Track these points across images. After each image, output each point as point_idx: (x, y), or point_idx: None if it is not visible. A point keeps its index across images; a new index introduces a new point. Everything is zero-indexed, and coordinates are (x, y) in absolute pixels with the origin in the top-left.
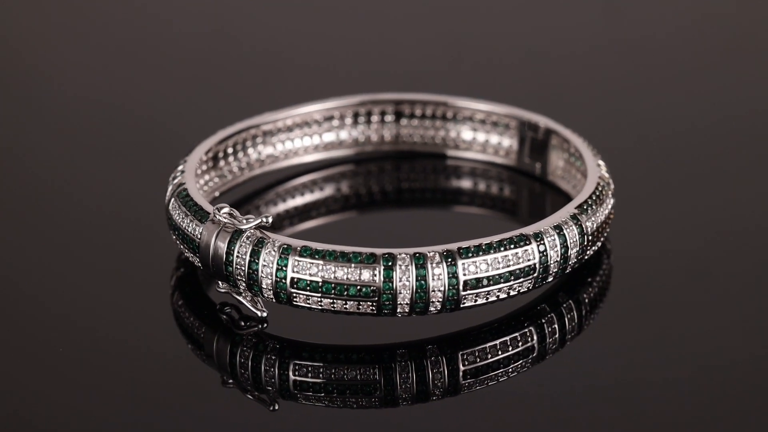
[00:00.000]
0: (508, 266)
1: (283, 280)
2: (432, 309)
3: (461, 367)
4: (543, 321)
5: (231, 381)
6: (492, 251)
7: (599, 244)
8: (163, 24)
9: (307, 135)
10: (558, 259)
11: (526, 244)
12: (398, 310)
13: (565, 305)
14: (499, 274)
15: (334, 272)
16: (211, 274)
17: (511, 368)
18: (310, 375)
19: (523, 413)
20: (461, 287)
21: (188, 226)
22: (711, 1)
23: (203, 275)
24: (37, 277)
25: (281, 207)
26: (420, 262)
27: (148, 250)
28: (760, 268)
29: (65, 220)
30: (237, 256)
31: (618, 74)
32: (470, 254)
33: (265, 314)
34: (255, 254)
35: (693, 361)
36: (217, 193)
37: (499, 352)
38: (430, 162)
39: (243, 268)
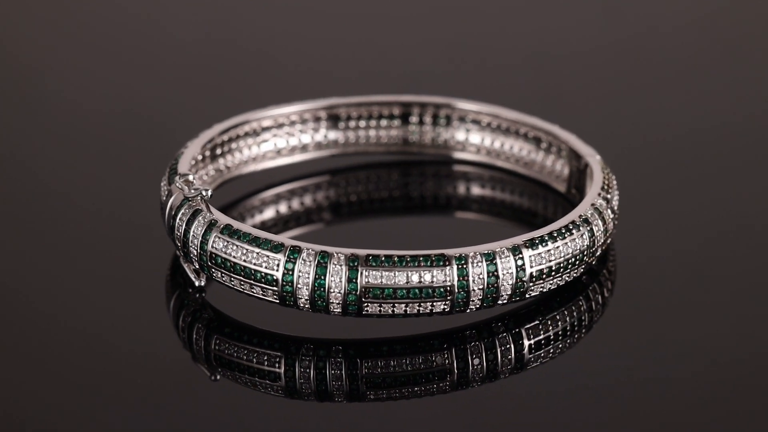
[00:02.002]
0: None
1: (205, 254)
2: (333, 309)
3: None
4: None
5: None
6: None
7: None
8: (151, 25)
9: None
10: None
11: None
12: (298, 303)
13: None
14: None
15: (245, 255)
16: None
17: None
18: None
19: (524, 414)
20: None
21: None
22: (711, 1)
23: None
24: (32, 276)
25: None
26: (324, 260)
27: (142, 249)
28: (763, 268)
29: (57, 219)
30: (177, 223)
31: (617, 74)
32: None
33: (197, 284)
34: (189, 224)
35: (695, 361)
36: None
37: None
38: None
39: (180, 235)
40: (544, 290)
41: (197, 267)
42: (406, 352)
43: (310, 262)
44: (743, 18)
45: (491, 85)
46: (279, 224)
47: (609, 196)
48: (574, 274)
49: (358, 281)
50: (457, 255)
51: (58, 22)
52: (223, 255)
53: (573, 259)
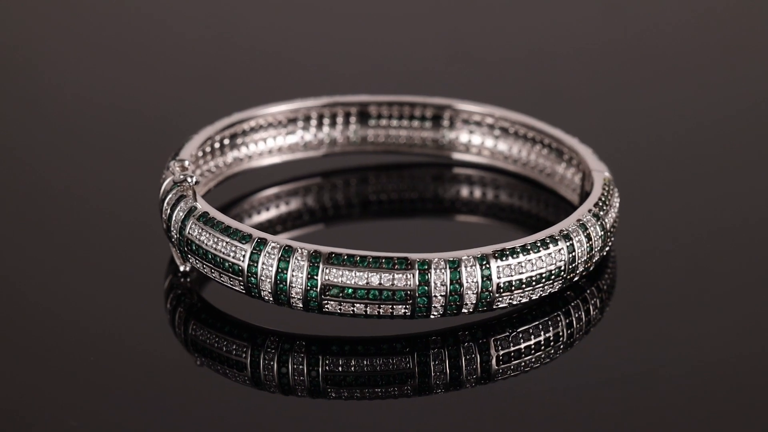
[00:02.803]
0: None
1: (183, 240)
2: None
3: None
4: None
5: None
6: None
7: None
8: (150, 22)
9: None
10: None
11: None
12: (261, 295)
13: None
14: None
15: (216, 244)
16: None
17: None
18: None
19: (525, 414)
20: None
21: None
22: (710, 1)
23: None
24: (32, 274)
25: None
26: (287, 255)
27: (139, 244)
28: (763, 267)
29: (55, 214)
30: (165, 206)
31: (616, 74)
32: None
33: (181, 268)
34: (173, 209)
35: (696, 361)
36: (211, 184)
37: (520, 344)
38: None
39: (165, 218)
40: (514, 303)
41: (179, 251)
42: (368, 352)
43: (274, 255)
44: (743, 17)
45: (490, 85)
46: (279, 224)
47: (602, 213)
48: (551, 290)
49: (319, 278)
50: (420, 260)
51: (59, 18)
52: (197, 242)
53: (549, 274)
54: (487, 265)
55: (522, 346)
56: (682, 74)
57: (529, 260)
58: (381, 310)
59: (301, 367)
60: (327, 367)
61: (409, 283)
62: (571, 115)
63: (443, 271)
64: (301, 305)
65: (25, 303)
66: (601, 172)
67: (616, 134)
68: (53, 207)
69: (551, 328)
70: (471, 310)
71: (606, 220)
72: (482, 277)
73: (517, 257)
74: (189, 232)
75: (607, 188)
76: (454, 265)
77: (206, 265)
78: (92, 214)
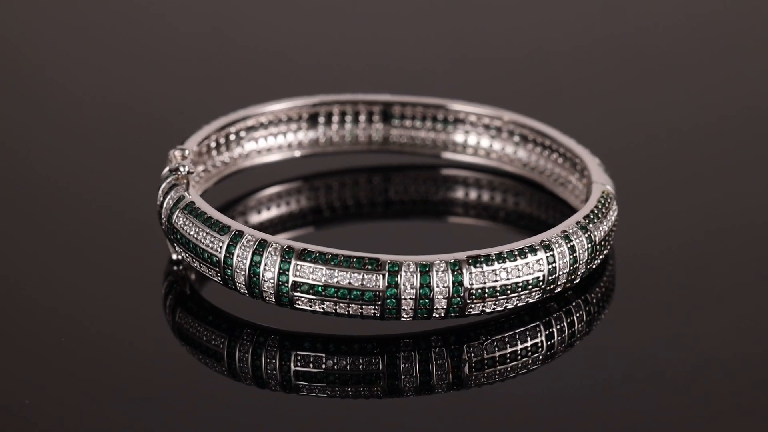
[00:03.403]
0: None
1: (171, 228)
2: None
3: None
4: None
5: None
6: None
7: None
8: (148, 21)
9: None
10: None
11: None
12: (237, 287)
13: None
14: None
15: (197, 234)
16: None
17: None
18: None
19: (525, 414)
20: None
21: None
22: (709, 1)
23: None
24: (33, 273)
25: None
26: (261, 249)
27: (139, 246)
28: (762, 267)
29: (55, 212)
30: (159, 193)
31: (614, 75)
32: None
33: (173, 256)
34: (165, 196)
35: (696, 362)
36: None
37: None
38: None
39: (158, 206)
40: (489, 311)
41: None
42: (339, 351)
43: (249, 248)
44: (742, 16)
45: (494, 86)
46: (279, 224)
47: (591, 225)
48: (530, 300)
49: (290, 274)
50: (391, 261)
51: (57, 16)
52: (182, 231)
53: (526, 284)
54: (459, 271)
55: (497, 354)
56: (681, 75)
57: (505, 269)
58: (350, 310)
59: (273, 361)
60: (299, 363)
61: (378, 284)
62: (571, 115)
63: (413, 274)
64: (273, 299)
65: (21, 297)
66: (601, 185)
67: (616, 134)
68: (50, 202)
69: (529, 339)
70: (443, 315)
71: (595, 234)
72: (453, 282)
73: (492, 265)
74: (175, 221)
75: (603, 201)
76: (425, 269)
77: (189, 255)
78: (88, 208)
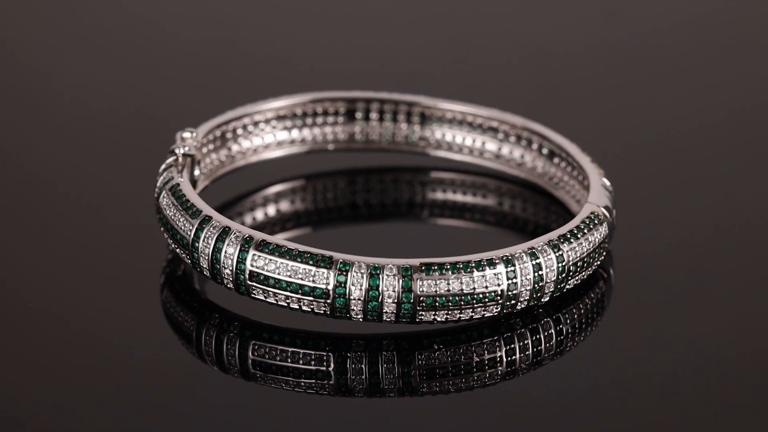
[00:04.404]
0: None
1: (157, 206)
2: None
3: None
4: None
5: None
6: None
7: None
8: (143, 21)
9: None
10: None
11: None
12: (203, 271)
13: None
14: None
15: (174, 217)
16: None
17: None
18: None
19: (525, 415)
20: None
21: None
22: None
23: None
24: (27, 274)
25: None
26: (224, 235)
27: (136, 244)
28: (761, 268)
29: (52, 214)
30: (159, 172)
31: (612, 75)
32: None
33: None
34: (160, 175)
35: (695, 363)
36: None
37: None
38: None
39: (154, 184)
40: (441, 320)
41: None
42: (293, 344)
43: (213, 234)
44: (741, 17)
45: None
46: (278, 224)
47: (565, 245)
48: (486, 313)
49: (247, 263)
50: (343, 260)
51: (52, 17)
52: (164, 211)
53: (482, 297)
54: (410, 278)
55: (450, 365)
56: (680, 75)
57: (459, 279)
58: (302, 305)
59: (234, 349)
60: (255, 353)
61: (328, 281)
62: (572, 115)
63: (363, 275)
64: (232, 287)
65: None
66: (594, 206)
67: (616, 134)
68: (47, 204)
69: (486, 353)
70: (393, 319)
71: (570, 254)
72: (402, 288)
73: (445, 274)
74: (160, 201)
75: (587, 222)
76: (376, 272)
77: (167, 235)
78: (86, 209)
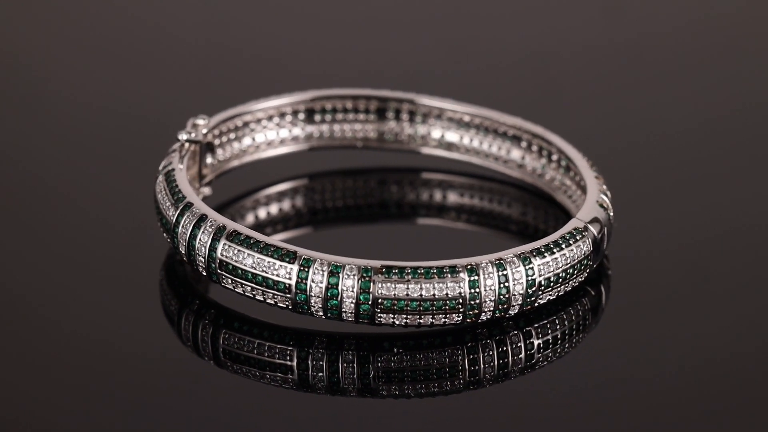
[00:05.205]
0: None
1: (154, 190)
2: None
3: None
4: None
5: None
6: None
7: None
8: (140, 21)
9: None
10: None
11: None
12: (183, 257)
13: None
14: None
15: (162, 201)
16: None
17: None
18: None
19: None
20: None
21: None
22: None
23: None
24: (25, 273)
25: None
26: (200, 223)
27: (135, 244)
28: (759, 269)
29: (51, 215)
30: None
31: (610, 76)
32: None
33: None
34: (165, 157)
35: (692, 365)
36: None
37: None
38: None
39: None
40: (400, 324)
41: None
42: (260, 336)
43: (191, 221)
44: (740, 17)
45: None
46: (279, 224)
47: (537, 259)
48: (447, 321)
49: (217, 253)
50: (306, 257)
51: (50, 18)
52: (157, 196)
53: (441, 305)
54: (369, 279)
55: (407, 369)
56: (679, 75)
57: (419, 284)
58: (267, 297)
59: (206, 336)
60: (225, 342)
61: (290, 276)
62: (572, 116)
63: (323, 273)
64: (205, 274)
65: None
66: (580, 221)
67: (616, 134)
68: (46, 205)
69: (447, 360)
70: (352, 319)
71: (542, 268)
72: (360, 288)
73: (404, 278)
74: (156, 186)
75: (567, 237)
76: (336, 270)
77: (157, 219)
78: (84, 206)
